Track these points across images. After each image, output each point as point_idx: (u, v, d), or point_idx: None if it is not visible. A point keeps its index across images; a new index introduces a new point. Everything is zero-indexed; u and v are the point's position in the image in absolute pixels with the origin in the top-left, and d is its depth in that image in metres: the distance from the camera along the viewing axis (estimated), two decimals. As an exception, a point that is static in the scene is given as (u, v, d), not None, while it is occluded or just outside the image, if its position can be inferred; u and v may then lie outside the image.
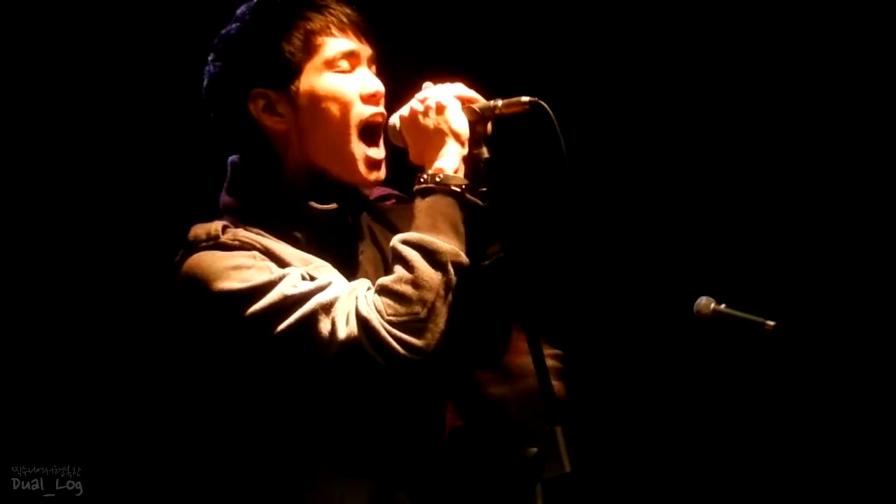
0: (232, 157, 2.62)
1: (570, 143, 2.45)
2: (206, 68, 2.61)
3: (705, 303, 3.30)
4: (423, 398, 2.54)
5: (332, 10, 2.56)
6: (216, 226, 2.49)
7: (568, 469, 2.45)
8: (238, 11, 2.61)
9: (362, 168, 2.55)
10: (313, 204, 2.54)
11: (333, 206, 2.55)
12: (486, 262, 2.56)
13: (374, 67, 2.61)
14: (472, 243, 2.47)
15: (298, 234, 2.52)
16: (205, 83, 2.61)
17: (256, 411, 2.48)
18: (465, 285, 2.44)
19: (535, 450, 2.46)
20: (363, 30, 2.60)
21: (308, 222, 2.53)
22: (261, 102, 2.55)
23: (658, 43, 4.78)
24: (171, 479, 5.03)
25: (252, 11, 2.58)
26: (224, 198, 2.59)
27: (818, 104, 4.74)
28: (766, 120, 4.82)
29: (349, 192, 2.59)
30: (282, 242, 2.49)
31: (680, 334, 4.52)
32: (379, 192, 2.68)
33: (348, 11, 2.59)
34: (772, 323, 3.26)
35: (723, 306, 3.29)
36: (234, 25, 2.59)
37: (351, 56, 2.56)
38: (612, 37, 4.77)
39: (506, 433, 2.58)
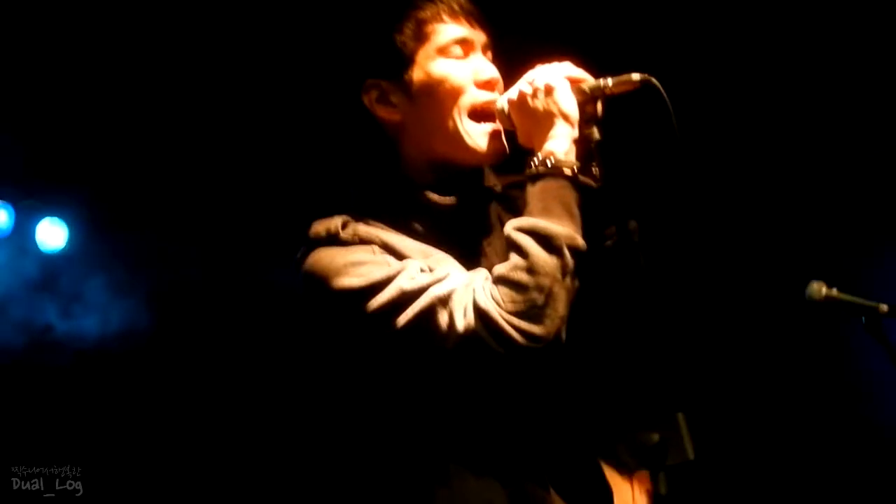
0: (354, 150, 2.62)
1: (683, 121, 2.40)
2: (323, 62, 2.62)
3: (817, 287, 3.23)
4: (553, 389, 2.50)
5: (448, 4, 2.55)
6: (336, 222, 2.48)
7: (691, 456, 2.39)
8: (358, 10, 2.63)
9: (479, 142, 2.52)
10: (432, 196, 2.52)
11: (453, 198, 2.53)
12: (609, 243, 2.51)
13: (489, 54, 2.59)
14: (588, 225, 2.43)
15: (419, 226, 2.51)
16: (322, 77, 2.62)
17: (383, 407, 2.47)
18: (590, 268, 2.40)
19: (657, 436, 2.41)
20: (475, 16, 2.58)
21: (429, 214, 2.52)
22: (374, 93, 2.56)
23: (777, 27, 4.73)
24: (303, 476, 5.05)
25: (366, 4, 2.60)
26: (352, 190, 2.59)
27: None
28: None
29: (473, 182, 2.57)
30: (402, 235, 2.49)
31: (793, 320, 4.45)
32: (508, 179, 2.64)
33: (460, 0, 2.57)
34: (885, 307, 3.18)
35: (834, 291, 3.23)
36: (347, 19, 2.60)
37: (463, 42, 2.55)
38: (727, 15, 4.72)
39: (629, 419, 2.52)
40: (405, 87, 2.54)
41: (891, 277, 4.42)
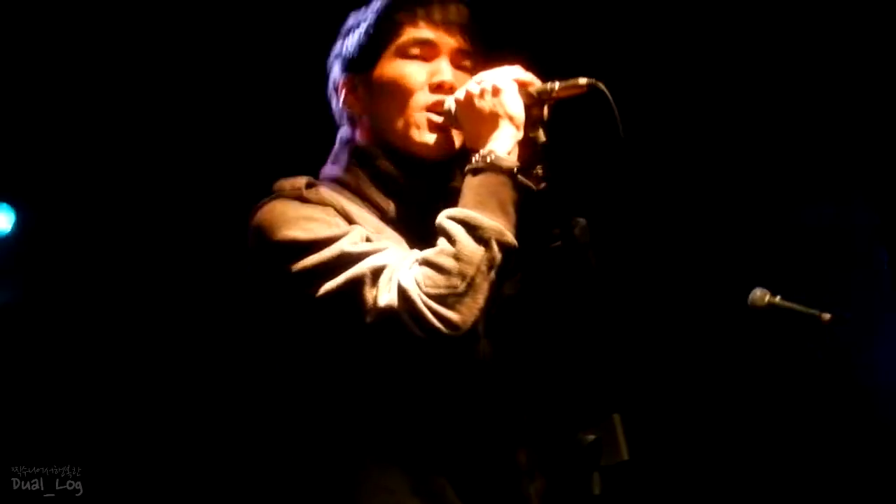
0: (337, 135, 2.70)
1: (629, 125, 2.42)
2: (298, 54, 2.69)
3: (760, 295, 3.27)
4: (474, 383, 2.50)
5: (432, 4, 2.60)
6: (301, 180, 2.53)
7: (626, 457, 2.42)
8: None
9: (425, 133, 2.56)
10: (402, 180, 2.56)
11: (421, 184, 2.57)
12: (556, 243, 2.54)
13: (466, 62, 2.62)
14: (535, 225, 2.46)
15: (383, 205, 2.56)
16: (297, 69, 2.70)
17: (296, 376, 2.50)
18: (531, 267, 2.42)
19: (592, 436, 2.44)
20: (457, 23, 2.61)
21: (393, 196, 2.56)
22: (345, 87, 2.64)
23: (715, 27, 4.77)
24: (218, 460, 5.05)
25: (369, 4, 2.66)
26: (325, 167, 2.65)
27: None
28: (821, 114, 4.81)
29: (440, 177, 2.59)
30: (364, 209, 2.53)
31: (734, 325, 4.49)
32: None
33: (450, 7, 2.61)
34: (828, 315, 3.22)
35: (777, 298, 3.26)
36: (327, 15, 2.73)
37: (426, 45, 2.59)
38: (673, 21, 4.76)
39: (563, 419, 2.54)
40: (368, 81, 2.60)
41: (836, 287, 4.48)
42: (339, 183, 2.58)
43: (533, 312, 2.55)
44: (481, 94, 2.46)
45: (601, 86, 2.41)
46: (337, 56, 2.67)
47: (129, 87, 5.03)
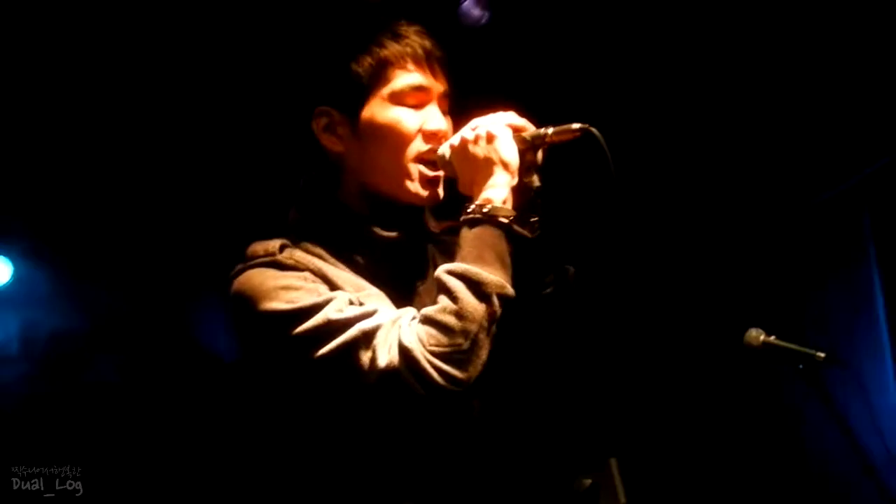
0: (303, 175, 2.63)
1: (623, 169, 2.43)
2: (278, 81, 2.61)
3: (755, 334, 3.27)
4: (469, 429, 2.50)
5: (409, 42, 2.55)
6: (274, 244, 2.48)
7: (623, 501, 2.42)
8: (315, 28, 2.62)
9: (419, 187, 2.53)
10: (376, 229, 2.53)
11: (395, 233, 2.54)
12: (548, 290, 2.53)
13: (445, 104, 2.59)
14: (525, 272, 2.45)
15: (359, 258, 2.52)
16: (276, 95, 2.62)
17: (299, 432, 2.47)
18: (524, 314, 2.42)
19: (589, 481, 2.44)
20: (440, 64, 2.58)
21: (370, 247, 2.52)
22: (323, 120, 2.56)
23: (709, 73, 4.79)
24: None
25: (329, 29, 2.59)
26: (292, 213, 2.60)
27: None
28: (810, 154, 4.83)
29: (413, 220, 2.58)
30: (339, 265, 2.49)
31: (730, 366, 4.49)
32: (445, 224, 2.65)
33: (427, 44, 2.56)
34: (823, 354, 3.22)
35: (773, 338, 3.26)
36: (308, 41, 2.61)
37: (420, 91, 2.55)
38: (665, 65, 4.79)
39: (561, 463, 2.54)
40: (353, 121, 2.54)
41: (827, 324, 4.48)
42: (313, 238, 2.53)
43: (524, 359, 2.54)
44: (476, 141, 2.46)
45: (594, 131, 2.41)
46: (311, 85, 2.59)
47: (121, 139, 5.05)
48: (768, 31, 4.66)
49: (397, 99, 2.54)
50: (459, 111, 2.59)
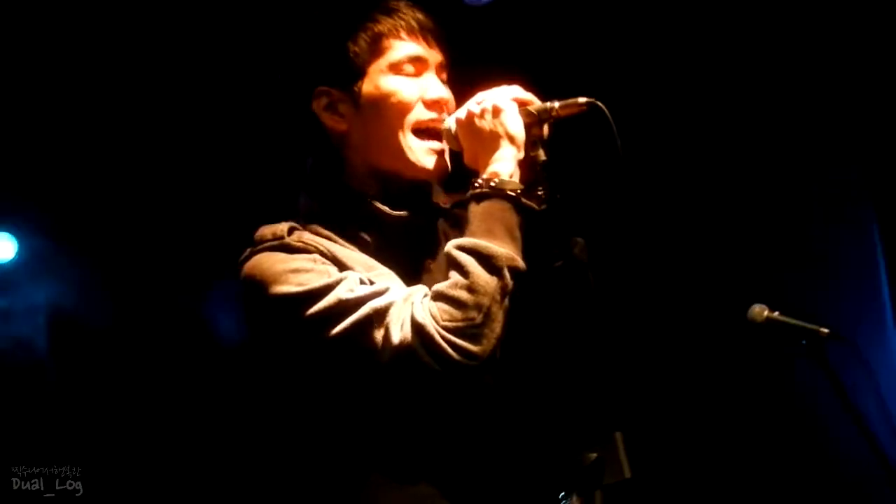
0: (308, 158, 2.62)
1: (629, 144, 2.43)
2: (274, 65, 2.60)
3: (759, 310, 3.28)
4: (487, 408, 2.49)
5: (401, 14, 2.55)
6: (282, 227, 2.48)
7: (628, 475, 2.42)
8: (319, 13, 2.61)
9: (422, 159, 2.53)
10: (384, 208, 2.52)
11: (404, 212, 2.53)
12: (557, 263, 2.53)
13: (444, 75, 2.59)
14: (534, 246, 2.44)
15: (368, 238, 2.51)
16: (273, 80, 2.61)
17: (313, 414, 2.47)
18: (534, 288, 2.42)
19: (594, 455, 2.44)
20: (434, 34, 2.57)
21: (378, 226, 2.52)
22: (324, 100, 2.55)
23: (719, 48, 4.78)
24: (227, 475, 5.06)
25: (321, 11, 2.59)
26: (302, 198, 2.59)
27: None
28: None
29: (421, 197, 2.58)
30: (349, 246, 2.49)
31: (733, 341, 4.50)
32: (456, 197, 2.64)
33: (419, 16, 2.57)
34: (826, 330, 3.23)
35: (776, 314, 3.27)
36: (301, 24, 2.60)
37: (417, 61, 2.55)
38: (672, 39, 4.78)
39: (566, 438, 2.54)
40: (354, 98, 2.53)
41: (833, 301, 4.48)
42: (322, 220, 2.52)
43: (534, 332, 2.54)
44: (482, 114, 2.45)
45: (600, 105, 2.42)
46: (308, 67, 2.58)
47: (126, 120, 5.05)
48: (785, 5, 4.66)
49: (395, 69, 2.53)
50: (465, 85, 2.58)
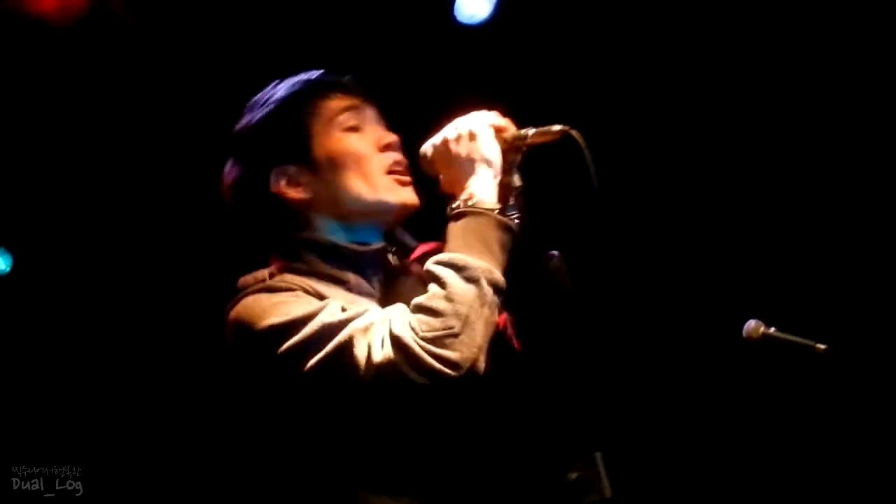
0: (264, 243, 2.65)
1: (605, 171, 2.44)
2: (226, 165, 2.66)
3: (755, 326, 3.28)
4: (468, 423, 2.51)
5: (320, 80, 2.63)
6: (263, 272, 2.53)
7: (608, 494, 2.44)
8: (243, 111, 2.68)
9: (400, 193, 2.57)
10: (352, 246, 2.56)
11: (376, 245, 2.57)
12: (534, 279, 2.54)
13: (382, 123, 2.64)
14: (512, 264, 2.45)
15: (345, 279, 2.54)
16: (224, 178, 2.66)
17: (300, 437, 2.49)
18: (515, 304, 2.45)
19: (575, 475, 2.46)
20: (359, 89, 2.64)
21: (353, 266, 2.55)
22: (282, 179, 2.59)
23: (694, 70, 4.79)
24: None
25: (251, 104, 2.65)
26: (272, 263, 2.60)
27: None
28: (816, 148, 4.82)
29: (390, 236, 2.62)
30: (328, 285, 2.52)
31: (729, 358, 4.49)
32: (427, 247, 2.65)
33: (338, 77, 2.65)
34: (822, 346, 3.23)
35: (772, 330, 3.28)
36: (240, 123, 2.66)
37: (354, 111, 2.61)
38: (647, 63, 4.79)
39: (547, 457, 2.56)
40: (310, 165, 2.58)
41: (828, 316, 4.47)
42: (299, 271, 2.54)
43: (512, 349, 2.56)
44: (457, 140, 2.48)
45: (574, 133, 2.44)
46: (250, 155, 2.61)
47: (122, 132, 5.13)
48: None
49: (337, 125, 2.59)
50: (441, 112, 2.61)
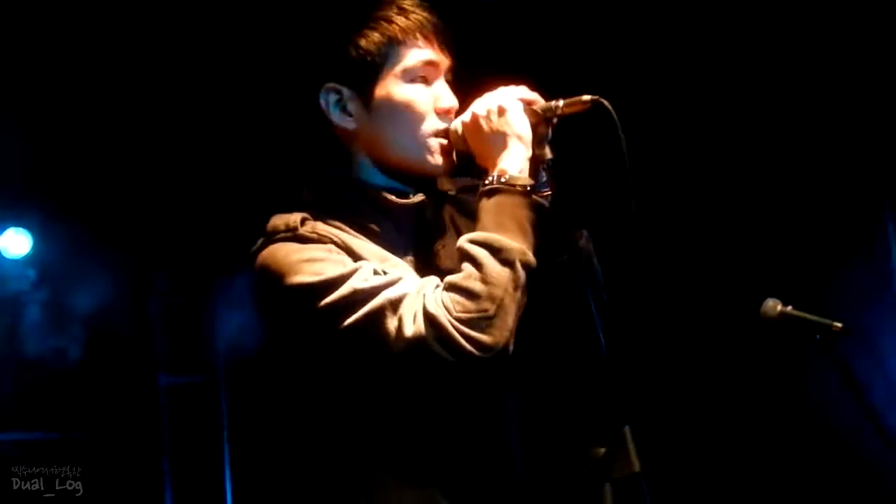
0: (310, 153, 2.63)
1: (634, 141, 2.44)
2: (281, 58, 2.61)
3: (772, 305, 3.28)
4: (490, 402, 2.51)
5: (416, 16, 2.55)
6: (295, 217, 2.49)
7: (637, 469, 2.43)
8: (329, 10, 2.62)
9: (437, 157, 2.55)
10: (391, 197, 2.54)
11: (412, 200, 2.56)
12: (563, 259, 2.55)
13: (451, 79, 2.61)
14: (541, 241, 2.46)
15: (377, 228, 2.52)
16: (286, 75, 2.63)
17: (321, 406, 2.49)
18: (541, 283, 2.44)
19: (603, 449, 2.45)
20: (445, 38, 2.59)
21: (387, 215, 2.54)
22: (332, 97, 2.56)
23: (720, 42, 4.79)
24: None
25: (335, 8, 2.60)
26: (305, 194, 2.60)
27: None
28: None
29: (426, 186, 2.59)
30: (359, 236, 2.50)
31: (746, 336, 4.50)
32: (462, 182, 2.67)
33: (433, 18, 2.57)
34: (840, 325, 3.23)
35: (789, 308, 3.28)
36: (312, 20, 2.62)
37: (430, 66, 2.56)
38: (677, 32, 4.79)
39: (574, 433, 2.56)
40: (365, 99, 2.55)
41: (845, 295, 4.48)
42: (330, 212, 2.53)
43: (540, 327, 2.56)
44: (488, 115, 2.48)
45: (605, 102, 2.43)
46: (317, 63, 2.57)
47: (142, 111, 5.11)
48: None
49: (409, 75, 2.55)
50: (470, 86, 2.61)
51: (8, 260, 5.41)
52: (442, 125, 2.56)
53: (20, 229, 5.43)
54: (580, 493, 2.50)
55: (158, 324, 5.57)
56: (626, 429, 2.46)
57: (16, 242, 5.38)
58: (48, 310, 5.30)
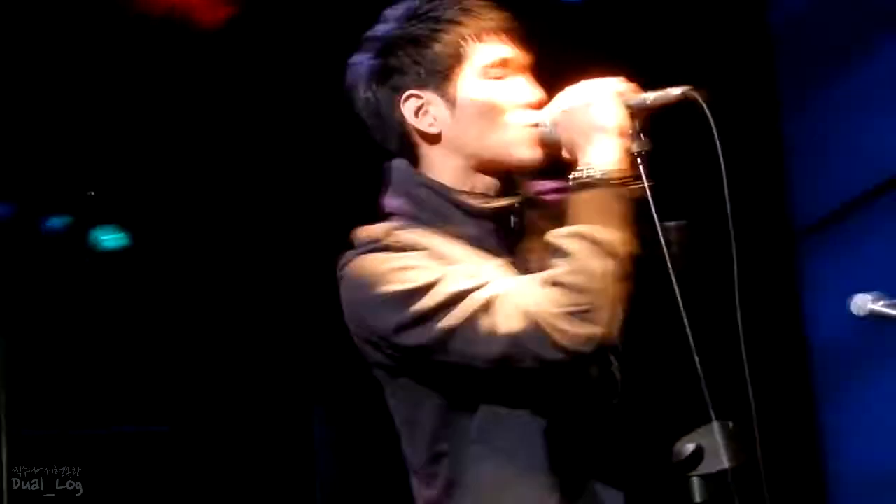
0: (391, 161, 2.63)
1: (726, 133, 2.41)
2: (355, 68, 2.61)
3: (861, 301, 3.23)
4: (584, 393, 2.52)
5: (485, 15, 2.56)
6: (381, 228, 2.51)
7: (727, 464, 2.42)
8: (386, 13, 2.62)
9: (530, 149, 2.54)
10: (476, 202, 2.53)
11: (498, 203, 2.55)
12: (670, 250, 2.52)
13: (531, 73, 2.60)
14: (636, 233, 2.45)
15: (465, 232, 2.52)
16: (354, 83, 2.61)
17: (424, 414, 2.49)
18: (638, 275, 2.43)
19: (693, 445, 2.44)
20: (516, 35, 2.58)
21: (474, 220, 2.53)
22: (413, 103, 2.55)
23: None
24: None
25: (404, 12, 2.58)
26: (389, 201, 2.60)
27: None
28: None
29: (512, 189, 2.58)
30: (448, 241, 2.50)
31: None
32: (541, 185, 2.65)
33: (500, 16, 2.58)
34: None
35: (880, 304, 3.22)
36: (384, 26, 2.60)
37: (504, 63, 2.55)
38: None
39: (665, 427, 2.55)
40: (447, 101, 2.55)
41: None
42: (415, 220, 2.53)
43: (634, 319, 2.55)
44: (578, 108, 2.47)
45: (696, 95, 2.42)
46: (389, 71, 2.56)
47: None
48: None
49: (487, 73, 2.54)
50: (558, 78, 2.59)
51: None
52: (529, 118, 2.55)
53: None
54: (669, 489, 2.50)
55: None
56: (717, 423, 2.45)
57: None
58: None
